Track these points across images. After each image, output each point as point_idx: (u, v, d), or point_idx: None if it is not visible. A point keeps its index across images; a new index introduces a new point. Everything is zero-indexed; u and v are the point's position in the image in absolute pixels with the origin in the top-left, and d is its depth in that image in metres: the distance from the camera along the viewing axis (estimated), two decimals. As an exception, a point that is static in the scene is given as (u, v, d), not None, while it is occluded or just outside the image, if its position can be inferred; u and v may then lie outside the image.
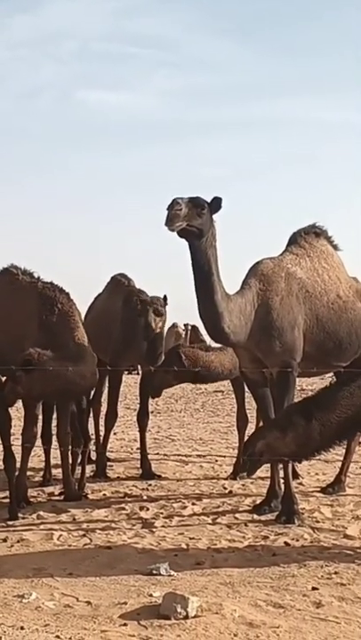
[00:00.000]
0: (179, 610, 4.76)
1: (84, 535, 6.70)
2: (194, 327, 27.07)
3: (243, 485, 8.71)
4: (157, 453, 10.30)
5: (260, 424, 8.57)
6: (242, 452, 7.56)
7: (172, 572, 5.62)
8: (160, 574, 5.58)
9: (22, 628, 4.60)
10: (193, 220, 6.62)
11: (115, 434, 11.09)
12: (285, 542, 6.45)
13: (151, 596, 5.13)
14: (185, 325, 28.65)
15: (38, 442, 8.31)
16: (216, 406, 16.57)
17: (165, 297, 9.06)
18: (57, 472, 8.67)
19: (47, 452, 8.78)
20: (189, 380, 9.20)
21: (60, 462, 8.15)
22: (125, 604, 5.00)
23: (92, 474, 9.11)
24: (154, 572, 5.61)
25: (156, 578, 5.53)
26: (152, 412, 9.03)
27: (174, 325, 29.30)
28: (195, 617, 4.74)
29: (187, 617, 4.73)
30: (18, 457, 7.63)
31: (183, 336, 29.00)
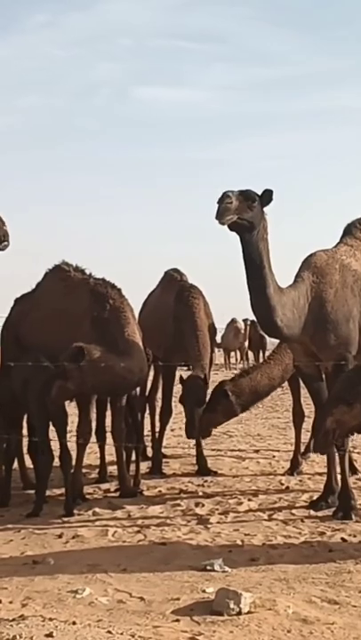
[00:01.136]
0: (232, 606, 4.71)
1: (139, 531, 6.68)
2: (253, 322, 26.93)
3: (300, 481, 8.62)
4: (214, 449, 10.24)
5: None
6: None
7: (227, 568, 5.57)
8: (214, 570, 5.54)
9: (74, 623, 4.59)
10: (244, 213, 6.56)
11: (172, 430, 11.08)
12: (342, 538, 6.36)
13: (204, 592, 5.09)
14: (244, 321, 28.56)
15: (93, 438, 8.33)
16: (275, 402, 16.44)
17: None
18: (113, 469, 8.69)
19: (102, 449, 8.79)
20: (241, 412, 8.83)
21: (115, 459, 8.16)
22: (178, 599, 4.97)
23: (147, 470, 9.10)
24: (208, 568, 5.57)
25: (209, 574, 5.48)
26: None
27: (233, 321, 29.24)
28: (248, 613, 4.69)
29: (240, 613, 4.68)
30: (73, 453, 7.67)
31: (242, 331, 28.92)
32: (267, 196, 6.69)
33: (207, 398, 8.65)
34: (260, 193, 6.69)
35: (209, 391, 8.80)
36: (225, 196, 6.47)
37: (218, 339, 30.87)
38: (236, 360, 31.15)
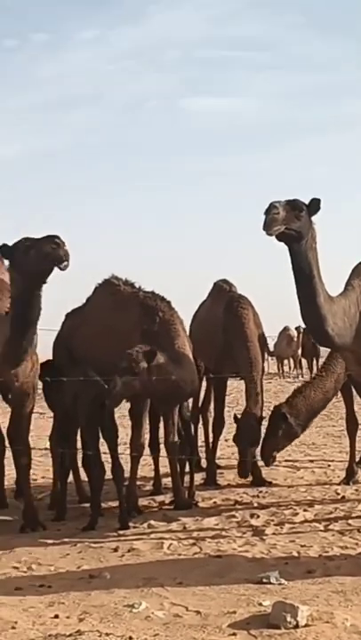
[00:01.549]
0: (288, 619, 4.68)
1: (195, 544, 6.68)
2: (305, 330, 26.75)
3: (356, 490, 8.55)
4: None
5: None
6: None
7: (283, 581, 5.54)
8: (270, 583, 5.51)
9: (131, 637, 4.61)
10: (291, 224, 6.49)
11: (226, 440, 11.04)
12: None
13: (261, 605, 5.07)
14: (296, 328, 28.39)
15: (148, 451, 8.35)
16: (330, 410, 16.17)
17: None
18: (168, 480, 8.69)
19: (156, 461, 8.81)
20: (302, 432, 8.78)
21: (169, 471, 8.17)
22: (235, 613, 4.96)
23: (202, 481, 9.09)
24: (264, 580, 5.55)
25: (266, 587, 5.46)
26: (265, 418, 8.91)
27: (286, 329, 29.09)
28: (305, 626, 4.66)
29: (297, 626, 4.65)
30: (127, 466, 7.70)
31: (295, 339, 28.76)
32: (314, 205, 6.62)
33: (261, 434, 8.58)
34: (307, 202, 6.64)
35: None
36: (272, 206, 6.42)
37: (271, 347, 30.89)
38: (290, 368, 30.99)
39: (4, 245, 6.66)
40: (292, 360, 30.68)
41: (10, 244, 6.63)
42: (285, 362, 30.80)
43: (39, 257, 6.46)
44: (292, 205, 6.53)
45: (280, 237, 6.54)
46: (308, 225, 6.63)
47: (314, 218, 6.71)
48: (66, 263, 6.50)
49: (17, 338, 6.77)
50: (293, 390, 8.99)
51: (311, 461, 10.53)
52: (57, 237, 6.47)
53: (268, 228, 6.43)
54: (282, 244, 6.64)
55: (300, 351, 29.20)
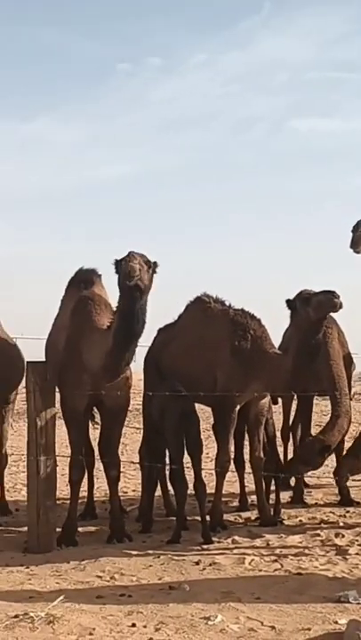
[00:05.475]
0: (362, 638, 4.66)
1: (276, 560, 6.69)
2: None
3: None
4: (357, 480, 10.07)
5: None
6: None
7: (361, 600, 5.51)
8: (348, 602, 5.49)
9: (204, 649, 4.67)
10: None
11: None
12: None
13: (336, 623, 5.07)
14: None
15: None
16: None
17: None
18: (255, 497, 8.70)
19: (241, 478, 8.83)
20: None
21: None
22: (309, 630, 4.97)
23: (289, 499, 9.07)
24: (342, 599, 5.53)
25: (343, 605, 5.43)
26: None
27: None
28: (378, 645, 4.63)
29: (370, 645, 4.63)
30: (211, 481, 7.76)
31: None
32: None
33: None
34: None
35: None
36: (359, 224, 6.46)
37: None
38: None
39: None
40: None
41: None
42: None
43: None
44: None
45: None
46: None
47: None
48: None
49: (120, 350, 6.93)
50: None
51: None
52: None
53: (355, 245, 6.48)
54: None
55: None
